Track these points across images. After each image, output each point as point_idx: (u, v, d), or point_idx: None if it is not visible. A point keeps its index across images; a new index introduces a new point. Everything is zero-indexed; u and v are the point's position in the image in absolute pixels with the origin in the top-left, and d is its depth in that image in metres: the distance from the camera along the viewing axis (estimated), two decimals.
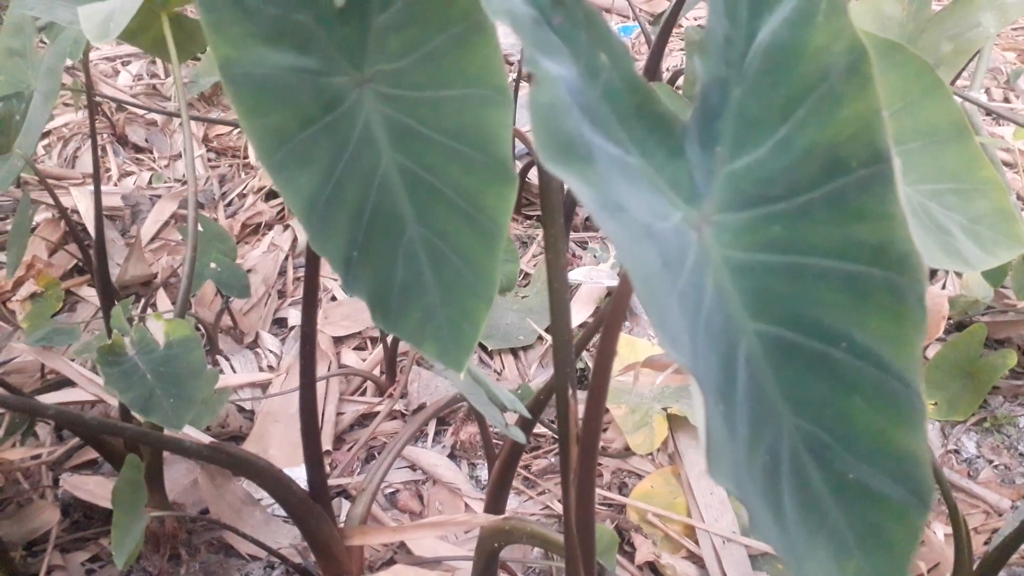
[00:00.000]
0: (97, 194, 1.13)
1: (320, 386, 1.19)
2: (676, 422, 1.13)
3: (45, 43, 1.38)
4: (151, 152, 1.80)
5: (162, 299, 1.38)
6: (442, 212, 0.52)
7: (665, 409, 1.13)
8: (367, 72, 0.49)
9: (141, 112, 1.80)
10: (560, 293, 0.56)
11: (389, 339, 1.20)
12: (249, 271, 1.46)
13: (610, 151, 0.35)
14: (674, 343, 0.32)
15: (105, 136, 1.78)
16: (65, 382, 1.11)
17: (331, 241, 0.48)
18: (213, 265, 1.21)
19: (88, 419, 0.65)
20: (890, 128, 0.33)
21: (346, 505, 1.04)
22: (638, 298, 0.34)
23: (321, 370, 1.27)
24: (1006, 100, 2.06)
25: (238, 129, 1.74)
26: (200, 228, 1.32)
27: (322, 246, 0.48)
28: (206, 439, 0.81)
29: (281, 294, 1.45)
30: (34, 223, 1.52)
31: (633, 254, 0.32)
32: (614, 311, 0.45)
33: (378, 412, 1.19)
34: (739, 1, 0.36)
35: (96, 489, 0.96)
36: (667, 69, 2.11)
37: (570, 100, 0.33)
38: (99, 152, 1.78)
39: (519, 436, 0.70)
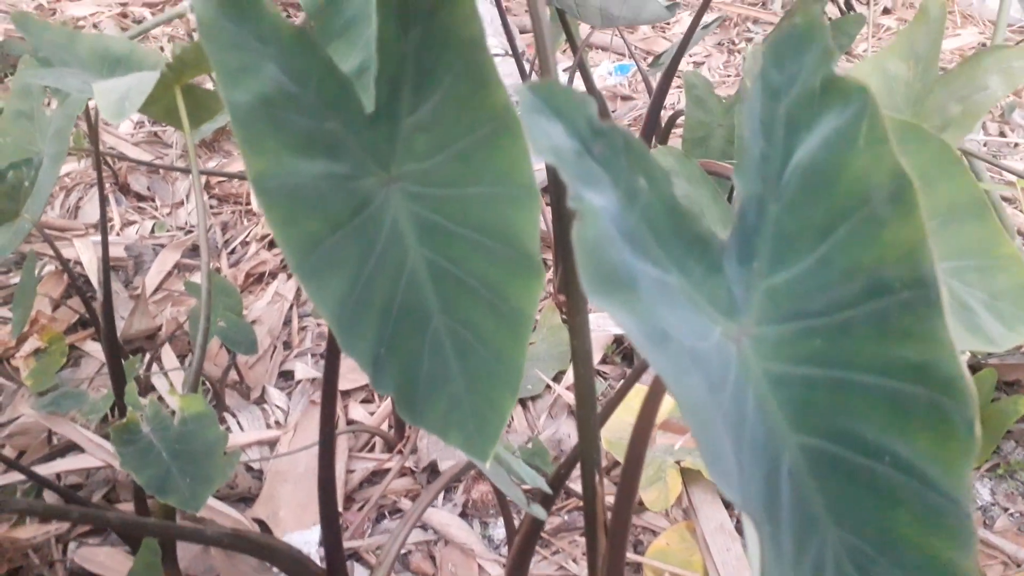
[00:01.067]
0: (105, 252, 1.13)
1: None
2: (690, 476, 1.12)
3: (51, 99, 1.39)
4: (153, 200, 1.80)
5: (167, 354, 1.37)
6: (468, 303, 0.52)
7: (678, 462, 1.12)
8: (395, 171, 0.49)
9: (144, 160, 1.81)
10: (586, 379, 0.55)
11: None
12: (254, 322, 1.46)
13: (651, 273, 0.35)
14: (726, 480, 0.32)
15: (108, 185, 1.78)
16: (72, 446, 1.10)
17: (360, 342, 0.48)
18: (220, 322, 1.20)
19: (111, 517, 0.64)
20: (936, 255, 0.33)
21: (359, 570, 1.03)
22: (688, 425, 0.33)
23: None
24: (1001, 134, 2.09)
25: (242, 179, 1.74)
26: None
27: (351, 348, 0.47)
28: (226, 527, 0.80)
29: (287, 345, 1.44)
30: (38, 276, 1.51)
31: (681, 386, 0.32)
32: (645, 415, 0.45)
33: (387, 469, 1.18)
34: (776, 120, 0.37)
35: (106, 560, 0.95)
36: (667, 105, 2.13)
37: (613, 231, 0.33)
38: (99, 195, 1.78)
39: (541, 514, 0.69)
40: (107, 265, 1.15)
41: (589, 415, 0.56)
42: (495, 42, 2.37)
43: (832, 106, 0.35)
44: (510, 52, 1.90)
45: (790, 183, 0.37)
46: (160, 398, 1.28)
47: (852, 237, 0.36)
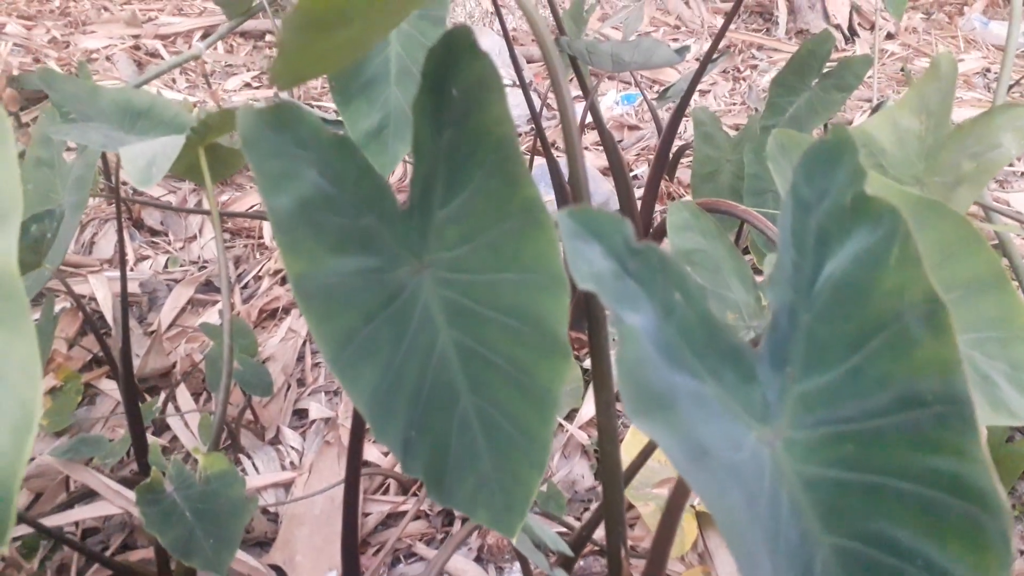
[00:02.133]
0: (124, 299, 1.14)
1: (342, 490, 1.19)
2: (706, 520, 1.12)
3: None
4: (167, 235, 1.81)
5: (183, 395, 1.38)
6: (496, 382, 0.53)
7: (693, 506, 1.12)
8: (426, 259, 0.50)
9: (160, 200, 1.82)
10: (612, 456, 0.56)
11: None
12: (267, 360, 1.46)
13: (688, 385, 0.36)
14: None
15: (122, 220, 1.79)
16: (90, 491, 1.10)
17: (391, 427, 0.49)
18: (236, 364, 1.21)
19: None
20: (969, 374, 0.34)
21: None
22: (726, 541, 0.34)
23: (343, 466, 1.26)
24: (1008, 164, 2.10)
25: (255, 213, 1.75)
26: (221, 321, 1.33)
27: (383, 434, 0.48)
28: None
29: (300, 383, 1.45)
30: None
31: (721, 506, 0.33)
32: (673, 509, 0.45)
33: (403, 512, 1.18)
34: (806, 232, 0.37)
35: None
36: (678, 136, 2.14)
37: (651, 351, 0.33)
38: (116, 237, 1.80)
39: None
40: (125, 309, 1.16)
41: (615, 491, 0.57)
42: (502, 73, 2.39)
43: (863, 223, 0.36)
44: (517, 83, 1.92)
45: (821, 294, 0.37)
46: (180, 447, 1.29)
47: (884, 350, 0.36)
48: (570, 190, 0.44)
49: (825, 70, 1.42)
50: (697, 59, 2.69)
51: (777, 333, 0.38)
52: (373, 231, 0.46)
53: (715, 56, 1.69)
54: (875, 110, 1.43)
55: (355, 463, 0.73)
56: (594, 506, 1.20)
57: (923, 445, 0.37)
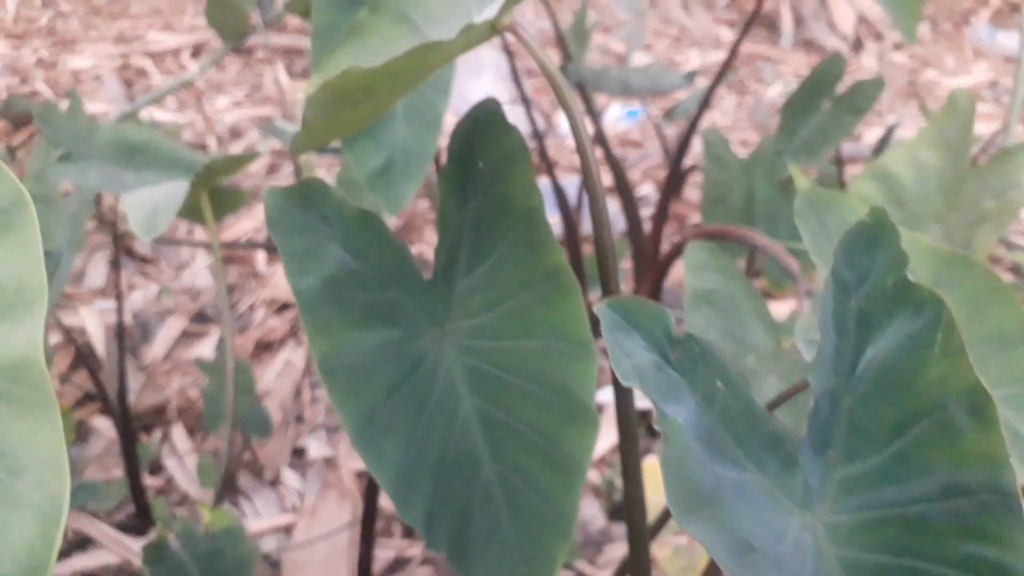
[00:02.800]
0: (120, 334, 1.14)
1: (346, 535, 1.19)
2: None
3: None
4: (157, 263, 1.81)
5: (179, 434, 1.38)
6: (519, 450, 0.53)
7: None
8: (449, 328, 0.50)
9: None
10: (639, 525, 0.56)
11: None
12: (264, 396, 1.46)
13: (730, 476, 0.36)
14: None
15: (112, 248, 1.79)
16: (87, 539, 1.10)
17: (414, 503, 0.49)
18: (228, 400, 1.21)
19: None
20: (1019, 475, 0.34)
21: None
22: None
23: (344, 509, 1.27)
24: None
25: (249, 243, 1.75)
26: (216, 356, 1.33)
27: (406, 511, 0.49)
28: None
29: (299, 419, 1.45)
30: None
31: None
32: None
33: (409, 558, 1.18)
34: (847, 315, 0.38)
35: None
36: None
37: (695, 446, 0.34)
38: (106, 267, 1.80)
39: None
40: (123, 350, 1.16)
41: (641, 554, 0.57)
42: (502, 88, 2.40)
43: (905, 309, 0.37)
44: (519, 100, 1.93)
45: (863, 378, 0.38)
46: (177, 488, 1.29)
47: (927, 438, 0.37)
48: (593, 226, 0.45)
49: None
50: (701, 71, 2.71)
51: (819, 417, 0.38)
52: (397, 303, 0.47)
53: (724, 75, 1.70)
54: (888, 133, 1.45)
55: (369, 529, 0.73)
56: (607, 548, 1.21)
57: (966, 532, 0.37)
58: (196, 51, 2.55)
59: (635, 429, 0.57)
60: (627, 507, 0.57)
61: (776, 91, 2.61)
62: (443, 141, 0.69)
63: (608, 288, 0.51)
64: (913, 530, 0.39)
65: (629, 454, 0.56)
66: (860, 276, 0.38)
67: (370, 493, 0.67)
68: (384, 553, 1.18)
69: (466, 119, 0.44)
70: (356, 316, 0.44)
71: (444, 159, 0.50)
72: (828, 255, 0.56)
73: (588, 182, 0.54)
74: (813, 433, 0.39)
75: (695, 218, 2.02)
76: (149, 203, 0.75)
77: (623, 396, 0.55)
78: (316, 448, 1.36)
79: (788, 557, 0.37)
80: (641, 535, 0.55)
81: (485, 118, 0.43)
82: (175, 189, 0.77)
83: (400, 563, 1.17)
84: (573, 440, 0.53)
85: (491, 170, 0.45)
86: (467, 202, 0.46)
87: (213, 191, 0.87)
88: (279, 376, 1.51)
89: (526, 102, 1.63)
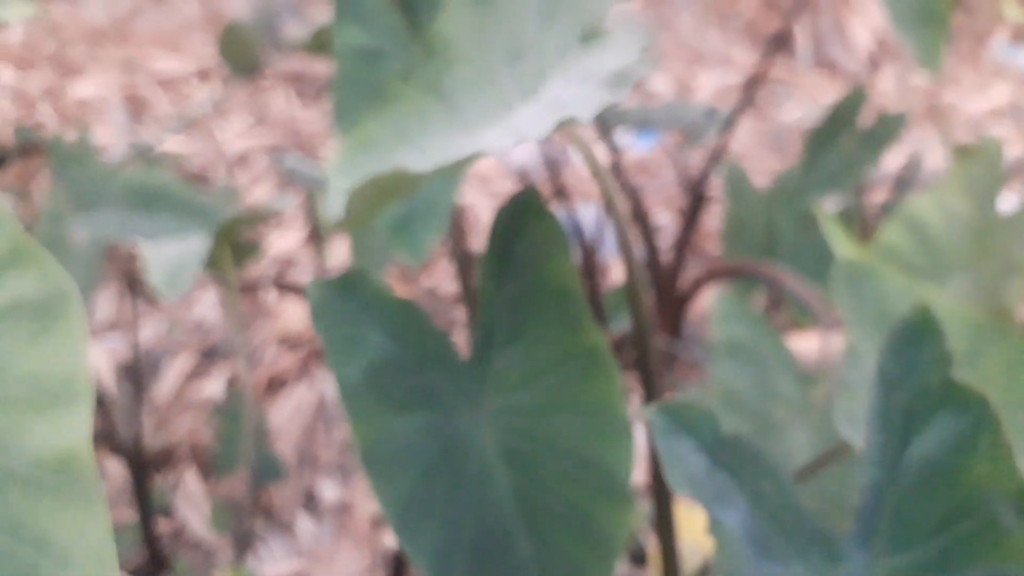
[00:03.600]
0: (137, 382, 1.16)
1: None
2: None
3: None
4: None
5: (191, 476, 1.39)
6: (553, 526, 0.54)
7: None
8: (485, 405, 0.52)
9: None
10: None
11: None
12: (276, 437, 1.48)
13: (776, 572, 0.38)
14: None
15: (120, 281, 1.82)
16: None
17: None
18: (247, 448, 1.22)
19: None
20: None
21: None
22: None
23: (361, 554, 1.27)
24: None
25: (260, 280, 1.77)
26: (230, 399, 1.35)
27: None
28: None
29: (312, 459, 1.46)
30: None
31: None
32: None
33: None
34: (892, 410, 0.39)
35: None
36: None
37: (747, 550, 0.35)
38: (116, 297, 1.82)
39: None
40: (139, 394, 1.18)
41: None
42: None
43: (950, 407, 0.38)
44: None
45: (908, 473, 0.39)
46: (189, 532, 1.30)
47: (973, 534, 0.38)
48: (625, 269, 0.46)
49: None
50: (716, 92, 2.73)
51: (865, 512, 0.39)
52: (435, 384, 0.48)
53: (746, 102, 1.72)
54: (912, 164, 1.46)
55: None
56: None
57: None
58: (203, 77, 2.58)
59: (670, 499, 0.59)
60: (664, 566, 0.58)
61: (792, 114, 2.63)
62: None
63: (642, 329, 0.53)
64: None
65: (663, 517, 0.57)
66: (905, 372, 0.39)
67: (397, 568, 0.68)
68: None
69: (507, 206, 0.45)
70: (395, 401, 0.45)
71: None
72: (864, 324, 0.58)
73: (620, 235, 0.55)
74: (859, 526, 0.40)
75: (712, 246, 2.04)
76: (172, 259, 0.77)
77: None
78: (330, 490, 1.37)
79: None
80: None
81: (524, 205, 0.45)
82: (197, 244, 0.78)
83: None
84: (608, 517, 0.53)
85: (528, 254, 0.46)
86: (505, 284, 0.48)
87: (235, 244, 0.89)
88: (291, 415, 1.53)
89: None
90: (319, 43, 1.33)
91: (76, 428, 0.41)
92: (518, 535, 0.54)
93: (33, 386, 0.42)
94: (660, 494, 0.59)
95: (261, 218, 0.81)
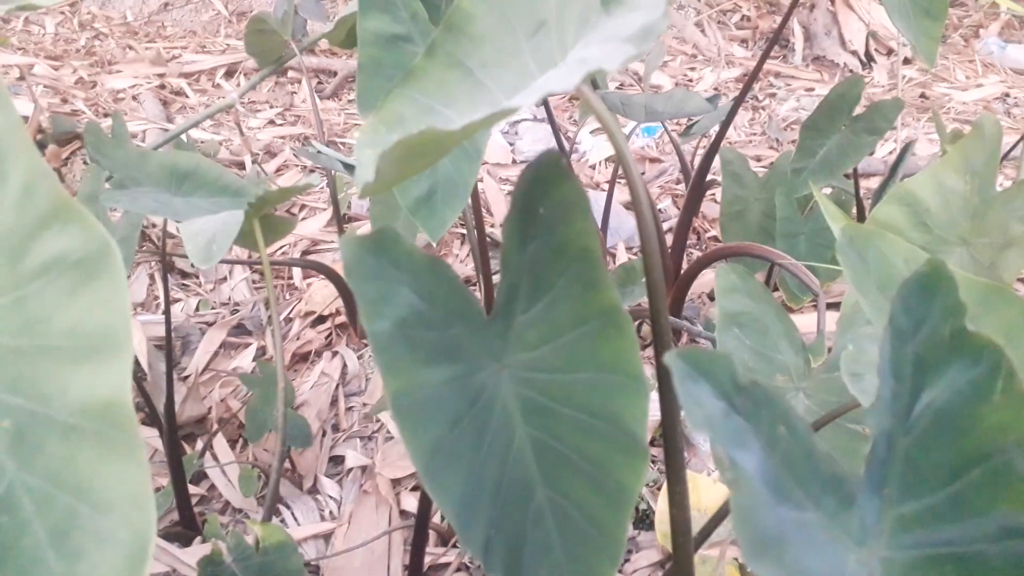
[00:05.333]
0: (169, 356, 1.15)
1: (384, 541, 1.19)
2: (748, 573, 1.12)
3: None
4: (197, 277, 1.83)
5: (220, 444, 1.39)
6: (569, 476, 0.54)
7: (736, 559, 1.12)
8: (506, 361, 0.51)
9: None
10: (684, 550, 0.56)
11: None
12: (301, 406, 1.47)
13: (792, 517, 0.37)
14: None
15: (153, 264, 1.81)
16: None
17: (475, 530, 0.49)
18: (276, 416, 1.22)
19: None
20: None
21: None
22: None
23: (381, 516, 1.27)
24: None
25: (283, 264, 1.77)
26: (258, 371, 1.34)
27: (468, 538, 0.49)
28: None
29: (335, 428, 1.46)
30: None
31: None
32: None
33: (444, 563, 1.18)
34: (903, 360, 0.38)
35: None
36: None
37: (762, 491, 0.34)
38: (147, 280, 1.82)
39: None
40: (171, 367, 1.17)
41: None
42: (528, 104, 2.40)
43: (962, 356, 0.37)
44: (543, 117, 1.92)
45: (920, 422, 0.38)
46: (219, 496, 1.30)
47: (986, 481, 0.37)
48: (643, 254, 0.45)
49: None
50: (716, 88, 2.70)
51: (876, 458, 0.38)
52: (460, 340, 0.47)
53: (745, 95, 1.70)
54: (904, 150, 1.44)
55: (420, 548, 0.74)
56: (634, 557, 1.21)
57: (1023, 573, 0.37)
58: (230, 71, 2.57)
59: (682, 459, 0.58)
60: (673, 533, 0.57)
61: (789, 107, 2.60)
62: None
63: (657, 311, 0.52)
64: (970, 568, 0.39)
65: (676, 481, 0.56)
66: (917, 323, 0.38)
67: (422, 514, 0.68)
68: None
69: (529, 169, 0.44)
70: (423, 355, 0.45)
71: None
72: (869, 288, 0.56)
73: (640, 218, 0.54)
74: (870, 473, 0.39)
75: (711, 230, 2.02)
76: (206, 232, 0.76)
77: (671, 427, 0.55)
78: (352, 457, 1.36)
79: None
80: (687, 564, 0.55)
81: (546, 167, 0.44)
82: (231, 218, 0.78)
83: (435, 569, 1.18)
84: (623, 469, 0.53)
85: (550, 215, 0.45)
86: (527, 245, 0.47)
87: (263, 218, 0.88)
88: (315, 386, 1.53)
89: (553, 121, 1.63)
90: (343, 34, 1.32)
91: (116, 377, 0.40)
92: (536, 484, 0.53)
93: (74, 337, 0.41)
94: (671, 451, 0.58)
95: (289, 194, 0.80)
